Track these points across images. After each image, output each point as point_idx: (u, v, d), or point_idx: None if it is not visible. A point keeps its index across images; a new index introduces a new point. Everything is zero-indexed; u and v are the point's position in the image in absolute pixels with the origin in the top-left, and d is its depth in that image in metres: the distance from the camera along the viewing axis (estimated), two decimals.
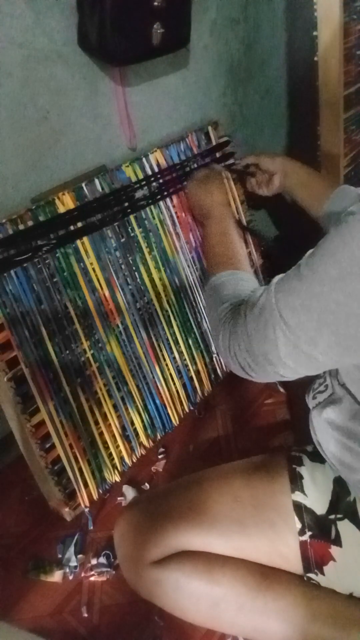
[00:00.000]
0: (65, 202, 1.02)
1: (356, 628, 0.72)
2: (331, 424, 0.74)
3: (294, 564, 0.75)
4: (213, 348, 1.31)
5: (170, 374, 1.21)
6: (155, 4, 0.98)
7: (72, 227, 1.03)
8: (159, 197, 1.16)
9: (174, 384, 1.22)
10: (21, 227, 0.96)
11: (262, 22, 1.47)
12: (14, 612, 0.98)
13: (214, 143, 1.29)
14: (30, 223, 0.97)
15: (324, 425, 0.76)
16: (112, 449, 1.11)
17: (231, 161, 1.30)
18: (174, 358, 1.22)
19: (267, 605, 0.74)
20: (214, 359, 1.31)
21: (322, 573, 0.73)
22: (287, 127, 1.72)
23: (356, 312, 0.52)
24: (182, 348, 1.23)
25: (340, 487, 0.75)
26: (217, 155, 1.29)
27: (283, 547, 0.75)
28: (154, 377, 1.17)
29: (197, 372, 1.28)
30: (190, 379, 1.26)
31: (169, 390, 1.21)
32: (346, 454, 0.71)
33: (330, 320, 0.54)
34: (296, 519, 0.75)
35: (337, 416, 0.74)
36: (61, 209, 1.01)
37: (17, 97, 0.96)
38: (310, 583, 0.76)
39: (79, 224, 1.03)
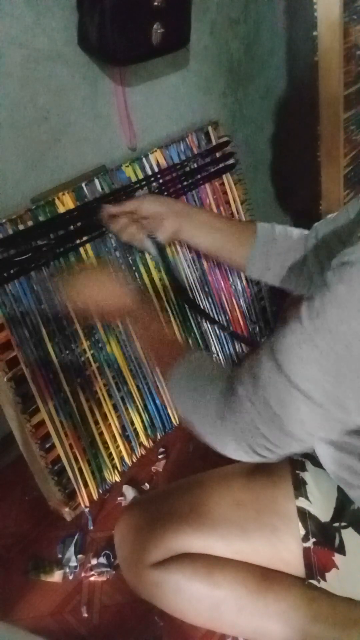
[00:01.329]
0: (65, 202, 1.02)
1: (356, 629, 0.72)
2: (325, 439, 0.74)
3: (296, 568, 0.75)
4: (213, 348, 1.31)
5: None
6: (155, 4, 0.98)
7: (72, 227, 1.02)
8: None
9: None
10: (21, 227, 0.96)
11: (262, 22, 1.47)
12: (14, 612, 0.98)
13: (214, 143, 1.29)
14: (30, 223, 0.97)
15: (320, 442, 0.76)
16: (112, 449, 1.11)
17: (235, 169, 1.30)
18: None
19: (267, 607, 0.74)
20: (214, 359, 1.31)
21: (324, 580, 0.73)
22: (287, 127, 1.72)
23: None
24: None
25: (344, 494, 0.74)
26: (217, 155, 1.29)
27: (285, 552, 0.75)
28: (154, 377, 1.17)
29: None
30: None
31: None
32: (343, 471, 0.71)
33: (354, 380, 0.48)
34: (300, 525, 0.74)
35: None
36: (61, 209, 1.01)
37: (17, 97, 0.96)
38: (311, 584, 0.75)
39: (79, 224, 1.03)
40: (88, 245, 1.05)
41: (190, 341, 1.24)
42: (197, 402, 0.63)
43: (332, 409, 0.51)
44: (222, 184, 1.30)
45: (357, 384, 0.48)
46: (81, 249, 1.04)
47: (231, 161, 1.32)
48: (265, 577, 0.76)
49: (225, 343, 1.33)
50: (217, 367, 0.67)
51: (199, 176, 1.24)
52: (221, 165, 1.29)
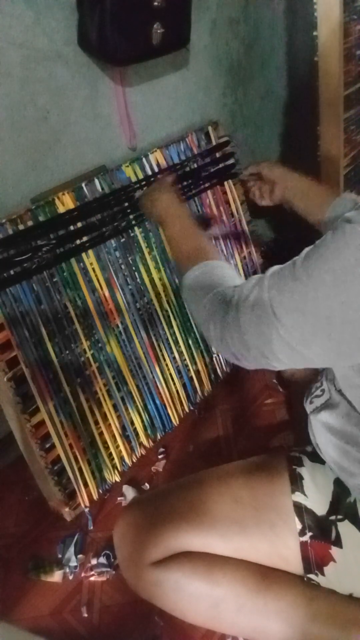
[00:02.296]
0: (65, 202, 1.02)
1: (356, 628, 0.72)
2: (329, 428, 0.74)
3: (294, 564, 0.75)
4: (213, 348, 1.31)
5: (170, 374, 1.21)
6: (155, 4, 0.98)
7: (72, 227, 1.02)
8: None
9: (174, 384, 1.22)
10: (21, 227, 0.96)
11: (262, 22, 1.47)
12: (14, 612, 0.97)
13: (214, 143, 1.29)
14: (30, 223, 0.97)
15: (322, 430, 0.76)
16: (112, 449, 1.11)
17: (235, 169, 1.30)
18: (174, 358, 1.22)
19: (267, 605, 0.74)
20: (214, 359, 1.31)
21: (323, 574, 0.73)
22: (287, 127, 1.72)
23: (350, 318, 0.52)
24: (182, 348, 1.23)
25: (340, 488, 0.75)
26: (217, 155, 1.29)
27: (283, 548, 0.75)
28: (154, 377, 1.17)
29: (197, 372, 1.28)
30: (190, 379, 1.26)
31: (169, 390, 1.21)
32: (344, 459, 0.71)
33: (324, 325, 0.54)
34: (296, 519, 0.74)
35: (334, 420, 0.73)
36: (61, 209, 1.01)
37: (17, 97, 0.96)
38: (310, 583, 0.76)
39: (79, 224, 1.03)
40: (88, 246, 1.05)
41: (190, 341, 1.24)
42: (194, 303, 0.74)
43: (296, 339, 0.56)
44: (222, 184, 1.31)
45: (320, 324, 0.54)
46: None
47: (231, 161, 1.32)
48: (265, 576, 0.76)
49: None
50: (224, 275, 0.75)
51: (199, 176, 1.24)
52: (221, 165, 1.30)
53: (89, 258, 1.06)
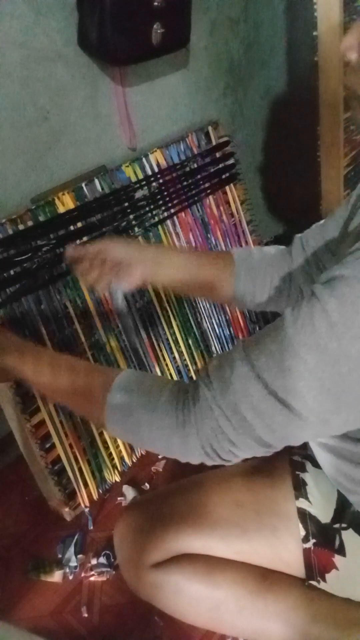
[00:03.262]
0: (65, 202, 1.02)
1: (356, 629, 0.72)
2: (324, 445, 0.74)
3: (295, 569, 0.75)
4: (213, 348, 1.31)
5: (170, 374, 1.21)
6: (155, 4, 0.98)
7: (72, 227, 1.02)
8: (159, 197, 1.16)
9: None
10: (21, 227, 0.96)
11: (262, 22, 1.47)
12: (14, 612, 0.98)
13: (214, 143, 1.29)
14: (30, 223, 0.97)
15: (319, 448, 0.75)
16: (112, 449, 1.11)
17: (235, 169, 1.30)
18: (174, 358, 1.22)
19: (267, 607, 0.74)
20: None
21: (324, 580, 0.73)
22: (287, 127, 1.72)
23: None
24: (182, 348, 1.23)
25: (344, 496, 0.74)
26: (217, 155, 1.29)
27: (285, 553, 0.75)
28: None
29: (197, 372, 1.28)
30: (190, 379, 1.26)
31: None
32: (342, 478, 0.71)
33: (350, 398, 0.47)
34: (300, 526, 0.74)
35: (330, 439, 0.73)
36: (61, 209, 1.01)
37: (17, 97, 0.96)
38: (311, 585, 0.75)
39: (79, 224, 1.03)
40: None
41: (190, 341, 1.24)
42: (147, 416, 0.56)
43: (313, 422, 0.48)
44: (222, 184, 1.31)
45: (344, 400, 0.47)
46: None
47: (231, 161, 1.32)
48: (265, 577, 0.76)
49: (225, 343, 1.33)
50: (157, 378, 0.61)
51: (198, 176, 1.24)
52: (221, 165, 1.30)
53: None
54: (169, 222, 1.19)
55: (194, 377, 1.26)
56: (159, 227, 1.17)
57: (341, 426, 0.50)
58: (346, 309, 0.45)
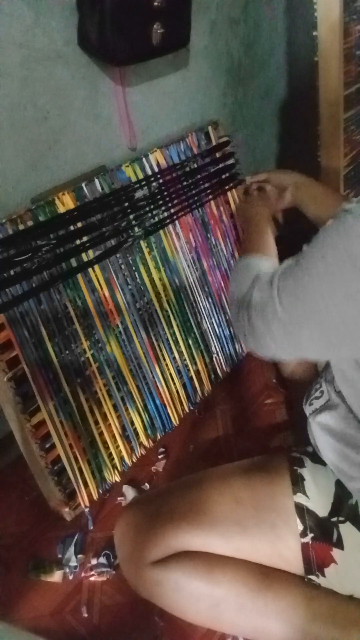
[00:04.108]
0: (65, 202, 1.02)
1: (356, 628, 0.72)
2: (328, 430, 0.74)
3: (295, 565, 0.75)
4: (213, 348, 1.31)
5: (170, 374, 1.21)
6: (155, 4, 0.98)
7: (72, 227, 1.02)
8: (159, 197, 1.16)
9: (174, 384, 1.22)
10: (21, 227, 0.96)
11: (262, 22, 1.48)
12: (14, 612, 0.97)
13: (214, 143, 1.29)
14: (30, 223, 0.97)
15: (321, 432, 0.76)
16: (112, 449, 1.11)
17: (235, 169, 1.30)
18: (174, 358, 1.22)
19: (267, 605, 0.74)
20: (214, 359, 1.31)
21: (323, 575, 0.73)
22: (287, 127, 1.72)
23: (339, 308, 0.53)
24: (182, 348, 1.23)
25: (342, 489, 0.75)
26: (217, 155, 1.29)
27: (284, 549, 0.75)
28: (154, 377, 1.17)
29: (197, 372, 1.28)
30: (190, 379, 1.26)
31: (169, 390, 1.21)
32: (343, 462, 0.71)
33: (315, 311, 0.56)
34: (298, 520, 0.74)
35: (334, 422, 0.73)
36: (61, 209, 1.01)
37: (17, 97, 0.96)
38: (311, 583, 0.75)
39: (79, 224, 1.03)
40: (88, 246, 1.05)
41: (190, 341, 1.24)
42: (234, 281, 0.77)
43: (290, 321, 0.59)
44: (223, 184, 1.31)
45: (311, 310, 0.56)
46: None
47: (231, 161, 1.32)
48: (266, 575, 0.76)
49: (225, 343, 1.33)
50: (266, 265, 0.79)
51: (198, 176, 1.24)
52: (221, 165, 1.30)
53: (89, 258, 1.06)
54: (168, 221, 1.18)
55: (194, 377, 1.26)
56: (159, 226, 1.17)
57: (311, 340, 0.58)
58: (343, 232, 0.53)
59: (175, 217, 1.20)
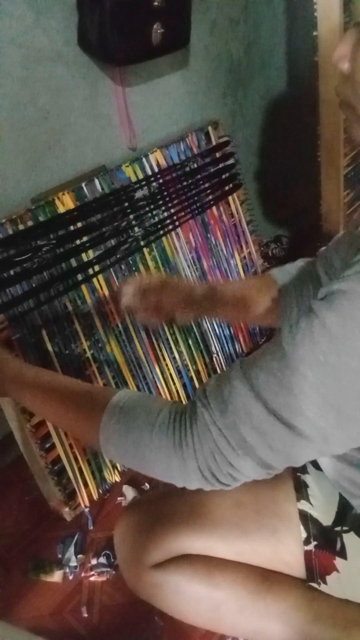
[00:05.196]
0: (65, 202, 1.01)
1: (356, 629, 0.72)
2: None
3: (296, 569, 0.75)
4: (213, 348, 1.31)
5: (170, 374, 1.21)
6: (155, 4, 0.98)
7: (72, 227, 1.02)
8: (159, 197, 1.16)
9: (174, 384, 1.22)
10: (21, 227, 0.96)
11: (262, 22, 1.47)
12: (14, 612, 0.98)
13: (214, 143, 1.29)
14: (30, 223, 0.97)
15: None
16: None
17: (234, 169, 1.29)
18: (174, 358, 1.22)
19: (267, 607, 0.74)
20: (214, 359, 1.31)
21: (325, 583, 0.73)
22: (287, 127, 1.72)
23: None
24: (182, 348, 1.23)
25: (346, 498, 0.74)
26: (217, 155, 1.29)
27: (285, 554, 0.74)
28: (154, 377, 1.17)
29: (197, 372, 1.28)
30: (190, 379, 1.26)
31: (169, 390, 1.21)
32: (344, 481, 0.71)
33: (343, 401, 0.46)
34: (302, 528, 0.74)
35: None
36: (61, 209, 1.01)
37: (17, 97, 0.96)
38: (311, 587, 0.75)
39: (79, 224, 1.03)
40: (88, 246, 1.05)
41: (190, 341, 1.24)
42: (143, 440, 0.55)
43: (315, 439, 0.48)
44: (223, 185, 1.31)
45: (345, 414, 0.46)
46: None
47: (231, 161, 1.32)
48: (266, 578, 0.76)
49: (225, 343, 1.33)
50: (154, 398, 0.60)
51: (198, 176, 1.24)
52: (221, 165, 1.30)
53: (89, 258, 1.06)
54: (168, 222, 1.18)
55: (194, 377, 1.26)
56: (159, 226, 1.17)
57: (343, 442, 0.49)
58: (346, 322, 0.45)
59: (175, 217, 1.20)
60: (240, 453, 0.50)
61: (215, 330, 1.30)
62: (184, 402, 0.57)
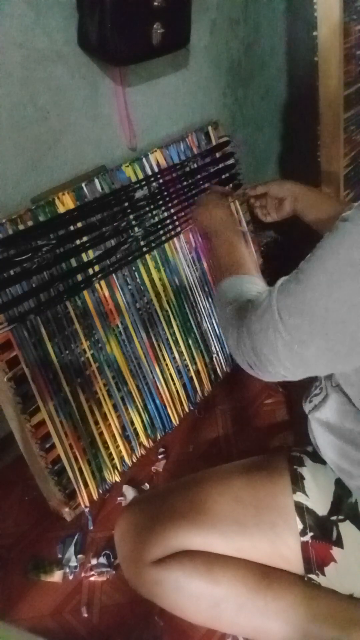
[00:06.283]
0: (65, 202, 1.02)
1: (356, 628, 0.72)
2: (327, 426, 0.74)
3: (295, 564, 0.75)
4: (213, 348, 1.31)
5: (170, 374, 1.21)
6: (155, 4, 0.98)
7: (72, 227, 1.02)
8: (159, 197, 1.16)
9: (174, 384, 1.22)
10: (21, 227, 0.96)
11: (262, 22, 1.48)
12: (14, 612, 0.97)
13: (214, 143, 1.29)
14: (30, 223, 0.97)
15: (320, 429, 0.76)
16: (112, 449, 1.11)
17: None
18: (174, 358, 1.22)
19: (267, 605, 0.74)
20: (214, 359, 1.31)
21: (323, 574, 0.73)
22: (287, 127, 1.72)
23: (343, 317, 0.53)
24: (182, 348, 1.23)
25: (341, 488, 0.75)
26: (217, 155, 1.29)
27: (284, 548, 0.75)
28: (154, 377, 1.17)
29: (197, 372, 1.28)
30: (190, 379, 1.26)
31: (169, 390, 1.21)
32: (343, 460, 0.71)
33: (320, 325, 0.54)
34: (298, 519, 0.74)
35: (332, 416, 0.73)
36: (61, 209, 1.01)
37: (17, 97, 0.96)
38: (311, 583, 0.76)
39: (79, 224, 1.03)
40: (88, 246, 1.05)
41: (190, 341, 1.24)
42: (221, 310, 0.75)
43: (295, 341, 0.57)
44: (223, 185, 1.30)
45: (316, 324, 0.55)
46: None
47: (231, 161, 1.32)
48: (266, 575, 0.76)
49: (225, 343, 1.33)
50: (255, 289, 0.75)
51: (199, 176, 1.24)
52: (221, 165, 1.30)
53: (89, 257, 1.06)
54: (168, 221, 1.18)
55: (194, 377, 1.26)
56: (159, 227, 1.17)
57: (318, 355, 0.57)
58: (343, 241, 0.53)
59: (175, 217, 1.20)
60: (256, 341, 0.62)
61: (215, 330, 1.30)
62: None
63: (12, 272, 0.95)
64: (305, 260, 0.58)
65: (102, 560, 1.03)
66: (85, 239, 1.04)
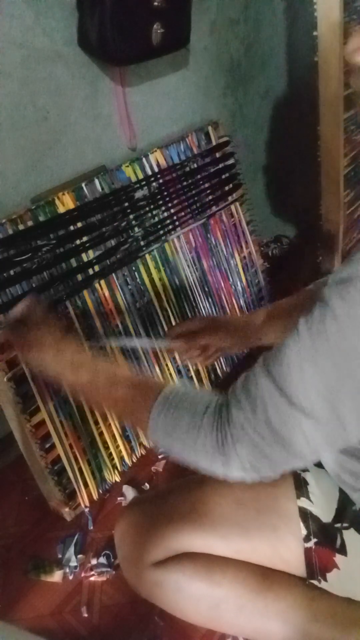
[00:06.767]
0: (65, 202, 1.02)
1: (357, 629, 0.72)
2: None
3: (296, 567, 0.75)
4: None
5: (170, 374, 1.21)
6: (155, 4, 0.98)
7: (72, 227, 1.02)
8: (159, 197, 1.16)
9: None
10: (21, 227, 0.96)
11: (262, 22, 1.48)
12: (14, 612, 0.97)
13: (214, 143, 1.29)
14: (30, 223, 0.97)
15: None
16: (112, 449, 1.11)
17: (234, 169, 1.29)
18: (174, 358, 1.22)
19: (267, 606, 0.74)
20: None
21: (325, 580, 0.73)
22: (287, 127, 1.72)
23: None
24: None
25: (345, 495, 0.74)
26: (217, 155, 1.29)
27: (285, 552, 0.74)
28: (154, 377, 1.17)
29: (197, 372, 1.28)
30: (190, 379, 1.26)
31: None
32: (345, 474, 0.71)
33: (347, 378, 0.48)
34: (302, 525, 0.74)
35: None
36: (61, 209, 1.01)
37: (17, 97, 0.96)
38: (311, 584, 0.75)
39: (79, 224, 1.03)
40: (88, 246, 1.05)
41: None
42: (189, 438, 0.58)
43: (333, 426, 0.50)
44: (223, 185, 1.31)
45: (357, 400, 0.48)
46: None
47: (231, 161, 1.32)
48: (266, 576, 0.76)
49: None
50: (200, 396, 0.61)
51: (198, 176, 1.24)
52: (221, 165, 1.30)
53: (88, 258, 1.05)
54: (168, 222, 1.18)
55: (194, 377, 1.26)
56: (159, 227, 1.17)
57: (357, 427, 0.50)
58: (353, 308, 0.46)
59: (175, 217, 1.20)
60: (275, 448, 0.53)
61: None
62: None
63: (12, 272, 0.94)
64: (323, 340, 0.49)
65: (102, 560, 1.03)
66: (85, 239, 1.04)
